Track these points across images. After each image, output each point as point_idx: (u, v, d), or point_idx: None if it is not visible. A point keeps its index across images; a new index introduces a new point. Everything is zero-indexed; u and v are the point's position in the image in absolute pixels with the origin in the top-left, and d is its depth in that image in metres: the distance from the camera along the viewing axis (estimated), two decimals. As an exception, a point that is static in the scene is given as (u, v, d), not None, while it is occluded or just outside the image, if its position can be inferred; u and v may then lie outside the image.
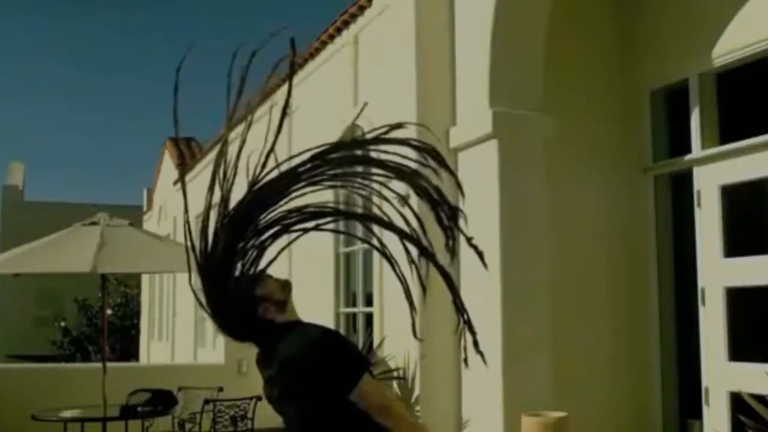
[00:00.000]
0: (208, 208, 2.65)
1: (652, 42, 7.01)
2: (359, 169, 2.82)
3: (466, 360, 2.71)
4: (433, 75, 6.85)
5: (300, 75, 10.34)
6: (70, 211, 16.86)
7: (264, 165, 2.67)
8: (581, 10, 7.26)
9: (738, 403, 5.53)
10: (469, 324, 2.71)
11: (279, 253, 2.76)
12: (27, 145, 67.85)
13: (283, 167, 2.69)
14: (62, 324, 26.15)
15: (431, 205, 2.77)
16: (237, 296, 2.59)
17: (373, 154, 2.84)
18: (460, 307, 2.71)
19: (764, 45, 5.85)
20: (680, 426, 6.84)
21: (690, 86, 6.50)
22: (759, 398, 4.81)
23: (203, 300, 2.61)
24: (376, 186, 2.84)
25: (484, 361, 2.62)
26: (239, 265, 2.62)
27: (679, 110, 6.72)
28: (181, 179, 2.71)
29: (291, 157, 2.82)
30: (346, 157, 2.75)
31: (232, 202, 2.64)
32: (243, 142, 2.69)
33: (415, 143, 2.83)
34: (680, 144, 6.70)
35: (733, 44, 6.10)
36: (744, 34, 6.00)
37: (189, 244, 2.64)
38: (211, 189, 2.67)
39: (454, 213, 2.79)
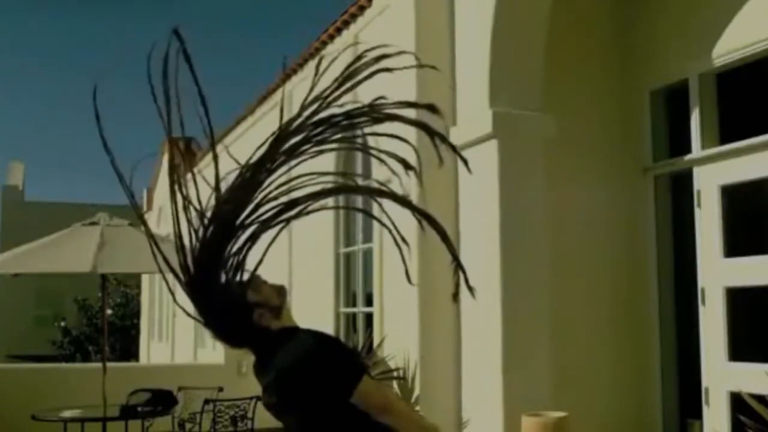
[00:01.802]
0: (178, 225, 2.55)
1: (651, 42, 7.01)
2: (330, 132, 2.69)
3: (455, 295, 2.72)
4: (433, 75, 6.84)
5: (300, 75, 10.34)
6: (70, 211, 16.86)
7: (216, 170, 2.56)
8: (581, 10, 7.26)
9: (738, 403, 5.53)
10: (460, 265, 2.71)
11: (264, 253, 2.63)
12: (27, 145, 67.86)
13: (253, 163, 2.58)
14: (62, 324, 26.16)
15: (412, 124, 2.76)
16: (230, 303, 2.54)
17: (331, 111, 2.70)
18: (451, 251, 2.71)
19: (764, 45, 5.85)
20: (680, 426, 6.84)
21: (690, 86, 6.50)
22: (759, 398, 4.81)
23: (195, 312, 2.58)
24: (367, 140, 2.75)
25: (473, 296, 2.67)
26: (223, 275, 2.53)
27: (679, 110, 6.72)
28: (137, 211, 2.58)
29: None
30: (309, 126, 2.63)
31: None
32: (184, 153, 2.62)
33: (367, 55, 2.74)
34: (680, 144, 6.70)
35: (733, 44, 6.10)
36: (744, 34, 6.00)
37: (164, 259, 2.56)
38: (173, 200, 2.57)
39: (432, 110, 2.83)
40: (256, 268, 2.60)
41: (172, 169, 2.62)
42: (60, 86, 69.05)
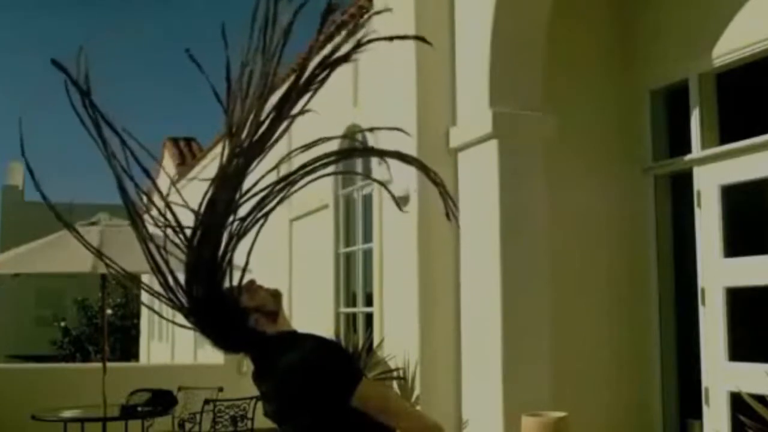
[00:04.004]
0: (149, 251, 2.53)
1: (652, 42, 7.00)
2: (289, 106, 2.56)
3: (448, 215, 2.72)
4: (433, 75, 6.85)
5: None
6: (70, 211, 16.84)
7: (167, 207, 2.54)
8: (581, 10, 7.26)
9: (738, 403, 5.53)
10: (447, 193, 2.74)
11: (248, 257, 2.56)
12: (27, 146, 67.74)
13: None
14: (62, 324, 26.15)
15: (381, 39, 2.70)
16: (225, 310, 2.50)
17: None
18: (435, 183, 2.74)
19: (764, 45, 5.85)
20: (680, 426, 6.84)
21: (690, 86, 6.50)
22: (759, 398, 4.81)
23: (190, 324, 2.56)
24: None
25: (456, 219, 2.78)
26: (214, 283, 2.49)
27: (679, 110, 6.71)
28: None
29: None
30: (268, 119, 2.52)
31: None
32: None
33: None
34: (680, 144, 6.69)
35: (733, 44, 6.10)
36: (744, 34, 5.99)
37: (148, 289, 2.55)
38: (140, 240, 2.56)
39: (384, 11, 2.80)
40: (245, 268, 2.55)
41: (129, 208, 2.56)
42: (60, 86, 68.96)
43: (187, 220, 2.55)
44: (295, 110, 2.57)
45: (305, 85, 2.57)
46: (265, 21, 2.52)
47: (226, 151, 2.52)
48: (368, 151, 2.71)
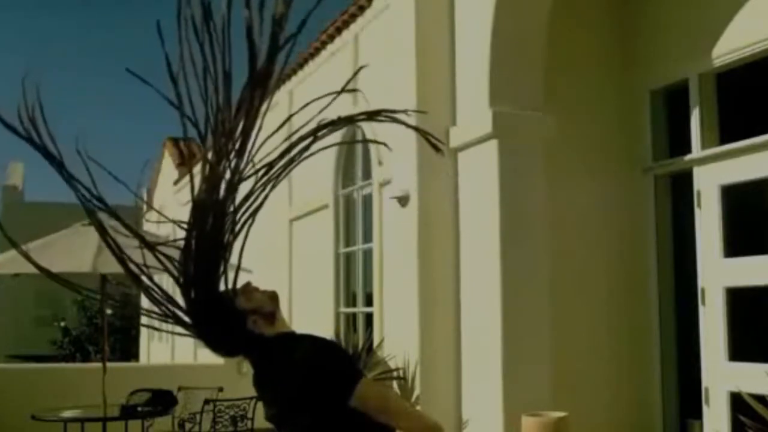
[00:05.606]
0: (130, 271, 2.55)
1: (652, 42, 7.01)
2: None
3: (435, 147, 2.73)
4: (433, 75, 6.84)
5: (299, 75, 10.34)
6: (70, 211, 16.85)
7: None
8: (581, 10, 7.26)
9: (738, 403, 5.53)
10: (427, 132, 2.75)
11: (240, 258, 2.56)
12: (27, 145, 67.82)
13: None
14: (62, 324, 26.16)
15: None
16: (223, 313, 2.50)
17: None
18: (418, 129, 2.80)
19: (764, 45, 5.85)
20: (680, 426, 6.84)
21: (690, 86, 6.50)
22: (759, 398, 4.81)
23: (188, 331, 2.55)
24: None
25: (440, 150, 2.82)
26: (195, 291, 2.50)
27: (679, 110, 6.72)
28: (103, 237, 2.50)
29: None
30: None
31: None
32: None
33: None
34: (680, 144, 6.70)
35: (733, 44, 6.10)
36: (744, 34, 6.00)
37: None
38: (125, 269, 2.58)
39: None
40: (238, 269, 2.54)
41: (106, 238, 2.58)
42: (59, 86, 69.05)
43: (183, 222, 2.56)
44: (268, 95, 2.54)
45: (267, 67, 2.52)
46: (193, 17, 2.47)
47: (206, 153, 2.52)
48: (343, 121, 2.68)
